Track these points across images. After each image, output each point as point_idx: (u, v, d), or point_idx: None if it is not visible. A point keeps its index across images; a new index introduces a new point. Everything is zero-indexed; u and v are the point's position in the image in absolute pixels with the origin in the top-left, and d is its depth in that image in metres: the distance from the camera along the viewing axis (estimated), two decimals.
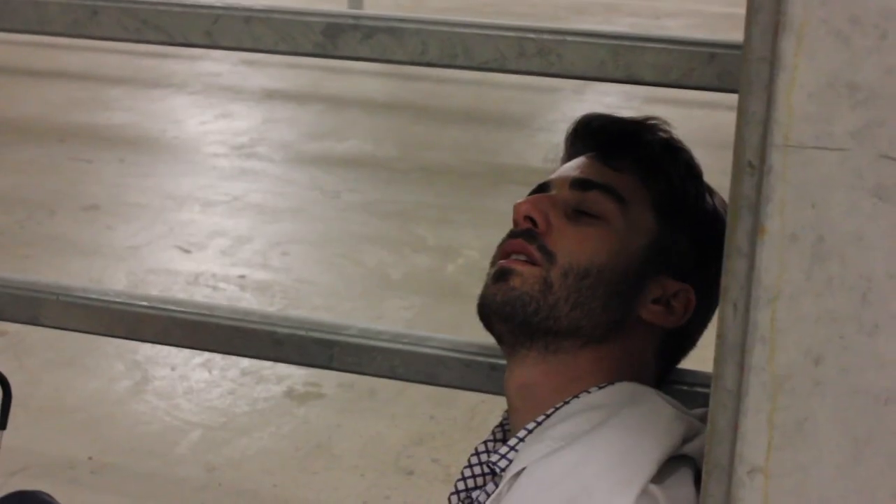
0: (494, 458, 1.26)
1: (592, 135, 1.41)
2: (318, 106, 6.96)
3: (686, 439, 1.20)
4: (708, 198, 1.40)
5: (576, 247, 1.30)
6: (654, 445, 1.16)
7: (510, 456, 1.24)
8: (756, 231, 0.83)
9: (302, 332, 1.66)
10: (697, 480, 1.15)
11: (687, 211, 1.36)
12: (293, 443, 3.15)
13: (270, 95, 7.13)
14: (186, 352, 3.66)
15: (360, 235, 4.75)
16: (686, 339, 1.40)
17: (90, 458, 3.02)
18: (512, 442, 1.26)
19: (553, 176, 1.39)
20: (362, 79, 7.40)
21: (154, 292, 4.06)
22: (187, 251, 4.55)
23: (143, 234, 4.80)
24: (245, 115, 6.73)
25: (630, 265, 1.31)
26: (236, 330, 1.69)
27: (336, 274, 4.41)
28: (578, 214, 1.33)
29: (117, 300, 1.76)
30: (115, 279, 4.30)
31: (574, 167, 1.38)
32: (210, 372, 3.57)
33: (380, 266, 4.44)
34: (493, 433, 1.39)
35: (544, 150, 5.98)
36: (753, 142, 0.83)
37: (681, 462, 1.18)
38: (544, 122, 6.56)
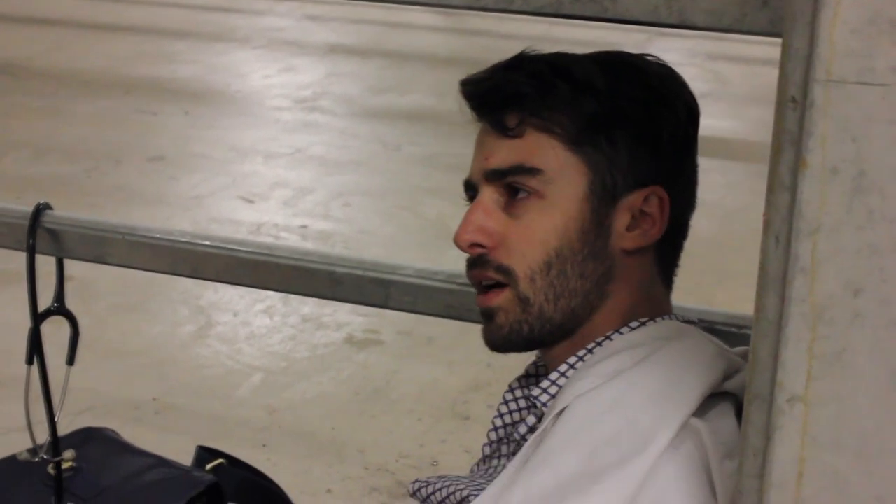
0: (536, 391, 1.27)
1: (474, 105, 1.34)
2: (381, 61, 6.99)
3: (727, 376, 1.20)
4: (601, 82, 1.28)
5: (526, 246, 1.27)
6: (696, 381, 1.17)
7: (551, 390, 1.25)
8: (798, 164, 0.85)
9: (360, 272, 1.69)
10: (738, 417, 1.16)
11: (597, 124, 1.28)
12: (352, 387, 3.20)
13: (333, 50, 7.16)
14: (248, 298, 3.72)
15: (421, 187, 4.78)
16: (676, 231, 1.35)
17: (154, 399, 3.09)
18: (553, 376, 1.27)
19: (472, 169, 1.34)
20: (424, 34, 7.41)
21: None
22: (250, 201, 4.61)
23: (207, 184, 4.86)
24: (308, 69, 6.77)
25: (583, 223, 1.27)
26: (296, 269, 1.73)
27: (396, 225, 4.45)
28: (511, 201, 1.28)
29: (181, 239, 1.80)
30: (179, 228, 4.37)
31: (481, 152, 1.32)
32: (271, 318, 3.63)
33: (439, 217, 4.47)
34: (527, 370, 1.40)
35: None
36: (796, 77, 0.84)
37: (722, 398, 1.19)
38: None
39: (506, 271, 1.28)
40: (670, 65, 1.37)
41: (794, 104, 0.85)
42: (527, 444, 1.20)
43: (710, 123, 5.95)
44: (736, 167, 5.00)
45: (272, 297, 3.75)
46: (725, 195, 4.85)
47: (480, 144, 1.33)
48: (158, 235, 1.82)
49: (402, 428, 3.00)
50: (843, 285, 0.85)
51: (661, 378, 1.17)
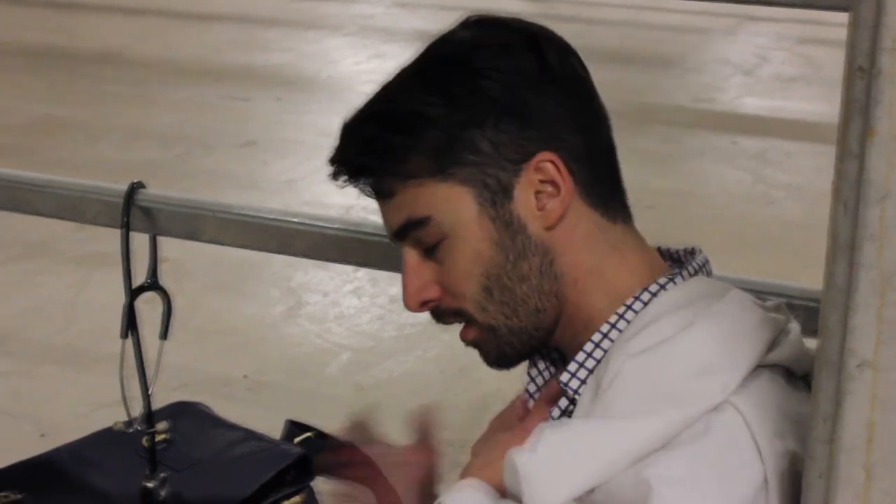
0: (564, 377, 1.22)
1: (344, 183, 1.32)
2: None
3: (771, 346, 1.17)
4: (430, 107, 1.22)
5: (459, 286, 1.24)
6: (741, 356, 1.14)
7: (580, 374, 1.22)
8: (866, 133, 0.86)
9: None
10: (785, 387, 1.15)
11: (448, 146, 1.22)
12: (438, 366, 3.24)
13: (422, 37, 7.12)
14: (338, 279, 3.78)
15: None
16: (593, 163, 1.24)
17: (245, 377, 3.15)
18: (580, 357, 1.22)
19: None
20: None
21: None
22: (341, 186, 4.65)
23: (299, 168, 4.93)
24: (398, 55, 6.74)
25: (492, 236, 1.23)
26: (381, 245, 1.76)
27: None
28: (430, 250, 1.26)
29: (270, 216, 1.84)
30: None
31: (381, 216, 1.31)
32: (360, 298, 3.68)
33: None
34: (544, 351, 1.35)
35: (693, 91, 5.95)
36: (864, 47, 0.85)
37: (766, 370, 1.16)
38: (694, 62, 6.51)
39: (460, 313, 1.26)
40: (501, 15, 1.30)
41: (861, 73, 0.86)
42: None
43: (800, 107, 5.93)
44: (825, 150, 4.94)
45: (361, 278, 3.80)
46: (814, 178, 4.81)
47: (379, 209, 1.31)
48: (248, 213, 1.87)
49: (486, 406, 3.03)
50: None
51: (705, 352, 1.14)
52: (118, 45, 7.06)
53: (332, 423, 2.22)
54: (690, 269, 1.26)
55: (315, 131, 5.44)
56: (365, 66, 6.61)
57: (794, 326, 1.23)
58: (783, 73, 6.48)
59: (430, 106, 1.22)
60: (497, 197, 1.22)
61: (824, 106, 5.70)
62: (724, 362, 1.12)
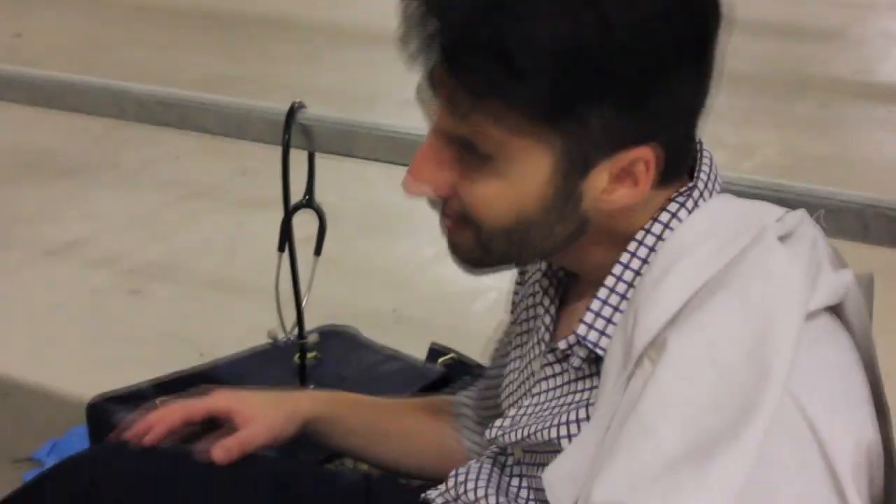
0: (581, 329, 1.12)
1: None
2: None
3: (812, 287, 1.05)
4: (589, 27, 1.00)
5: (482, 218, 1.10)
6: (788, 321, 1.00)
7: (598, 325, 1.11)
8: None
9: None
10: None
11: (563, 101, 1.02)
12: None
13: None
14: None
15: None
16: (680, 149, 1.11)
17: (394, 311, 3.25)
18: (595, 306, 1.12)
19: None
20: None
21: None
22: None
23: None
24: None
25: (545, 202, 1.08)
26: None
27: None
28: (467, 157, 1.08)
29: (422, 133, 1.93)
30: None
31: (436, 98, 1.11)
32: None
33: None
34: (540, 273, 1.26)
35: (854, 63, 5.87)
36: None
37: (814, 321, 1.05)
38: (856, 36, 6.41)
39: (462, 219, 1.12)
40: None
41: None
42: (608, 387, 1.07)
43: None
44: None
45: None
46: None
47: (432, 89, 1.11)
48: (401, 130, 1.96)
49: None
50: None
51: (751, 318, 1.01)
52: (287, 7, 7.24)
53: (473, 353, 2.31)
54: (700, 183, 1.13)
55: None
56: None
57: (822, 245, 1.12)
58: None
59: (566, 46, 1.01)
60: (574, 170, 1.06)
61: None
62: (772, 337, 0.99)
